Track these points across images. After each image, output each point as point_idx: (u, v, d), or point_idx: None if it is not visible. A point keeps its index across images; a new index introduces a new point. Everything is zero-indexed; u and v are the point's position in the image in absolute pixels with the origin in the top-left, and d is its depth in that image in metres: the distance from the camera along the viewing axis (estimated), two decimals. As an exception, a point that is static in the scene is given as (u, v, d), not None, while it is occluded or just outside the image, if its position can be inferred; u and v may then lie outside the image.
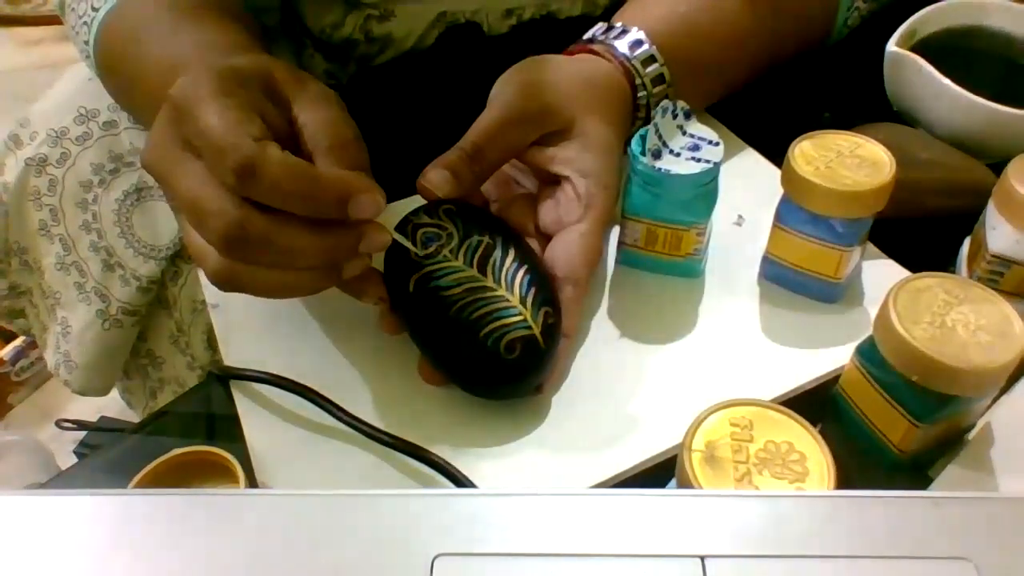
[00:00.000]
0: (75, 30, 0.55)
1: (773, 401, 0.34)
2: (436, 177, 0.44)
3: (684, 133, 0.46)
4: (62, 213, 0.63)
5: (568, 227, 0.46)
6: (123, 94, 0.56)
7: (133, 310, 0.63)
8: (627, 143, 0.46)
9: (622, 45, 0.52)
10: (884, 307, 0.36)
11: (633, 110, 0.52)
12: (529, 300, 0.41)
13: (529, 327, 0.40)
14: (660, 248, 0.47)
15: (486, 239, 0.42)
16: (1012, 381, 0.39)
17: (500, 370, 0.40)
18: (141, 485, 0.38)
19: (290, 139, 0.39)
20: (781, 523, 0.26)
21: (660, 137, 0.45)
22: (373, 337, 0.46)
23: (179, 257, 0.62)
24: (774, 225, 0.46)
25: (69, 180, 0.62)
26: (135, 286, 0.62)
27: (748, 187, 0.52)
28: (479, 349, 0.40)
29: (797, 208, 0.44)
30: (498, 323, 0.40)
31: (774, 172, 0.49)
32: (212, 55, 0.46)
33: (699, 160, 0.44)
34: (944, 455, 0.38)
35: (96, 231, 0.62)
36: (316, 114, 0.39)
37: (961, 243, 0.48)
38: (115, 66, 0.53)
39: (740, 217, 0.52)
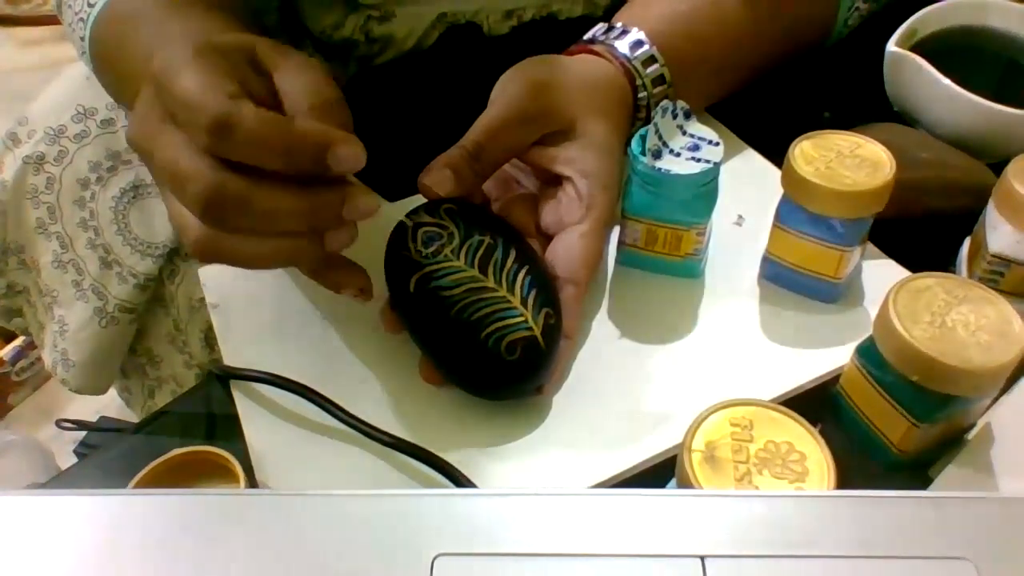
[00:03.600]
0: (71, 27, 0.55)
1: (773, 401, 0.34)
2: (437, 176, 0.44)
3: (684, 133, 0.45)
4: (59, 211, 0.62)
5: (569, 227, 0.46)
6: (117, 89, 0.56)
7: (130, 308, 0.63)
8: (627, 143, 0.46)
9: (622, 46, 0.52)
10: (884, 307, 0.36)
11: (633, 110, 0.52)
12: (530, 301, 0.41)
13: (530, 328, 0.40)
14: (660, 248, 0.47)
15: (487, 239, 0.42)
16: (1012, 381, 0.39)
17: (501, 371, 0.40)
18: (141, 485, 0.38)
19: (275, 111, 0.38)
20: (781, 523, 0.26)
21: (660, 137, 0.45)
22: (373, 337, 0.46)
23: (176, 255, 0.62)
24: (774, 225, 0.46)
25: (67, 178, 0.62)
26: (132, 284, 0.62)
27: (748, 187, 0.52)
28: (480, 350, 0.40)
29: (797, 208, 0.44)
30: (499, 324, 0.40)
31: (774, 172, 0.49)
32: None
33: (699, 160, 0.44)
34: (944, 455, 0.38)
35: (93, 229, 0.62)
36: (298, 79, 0.38)
37: (961, 243, 0.48)
38: (109, 60, 0.52)
39: (740, 217, 0.52)
